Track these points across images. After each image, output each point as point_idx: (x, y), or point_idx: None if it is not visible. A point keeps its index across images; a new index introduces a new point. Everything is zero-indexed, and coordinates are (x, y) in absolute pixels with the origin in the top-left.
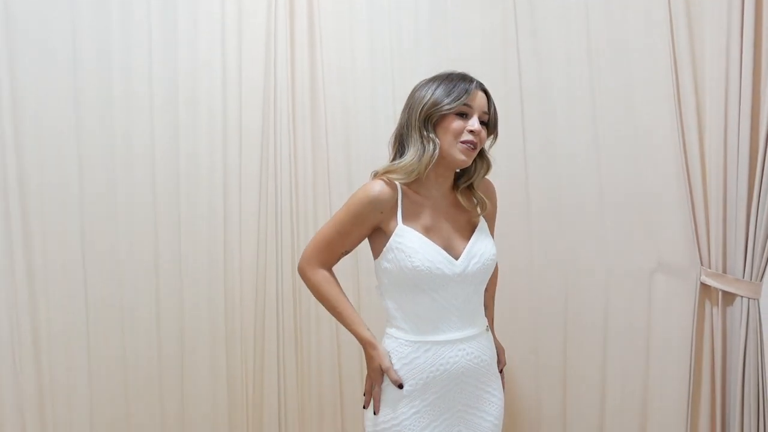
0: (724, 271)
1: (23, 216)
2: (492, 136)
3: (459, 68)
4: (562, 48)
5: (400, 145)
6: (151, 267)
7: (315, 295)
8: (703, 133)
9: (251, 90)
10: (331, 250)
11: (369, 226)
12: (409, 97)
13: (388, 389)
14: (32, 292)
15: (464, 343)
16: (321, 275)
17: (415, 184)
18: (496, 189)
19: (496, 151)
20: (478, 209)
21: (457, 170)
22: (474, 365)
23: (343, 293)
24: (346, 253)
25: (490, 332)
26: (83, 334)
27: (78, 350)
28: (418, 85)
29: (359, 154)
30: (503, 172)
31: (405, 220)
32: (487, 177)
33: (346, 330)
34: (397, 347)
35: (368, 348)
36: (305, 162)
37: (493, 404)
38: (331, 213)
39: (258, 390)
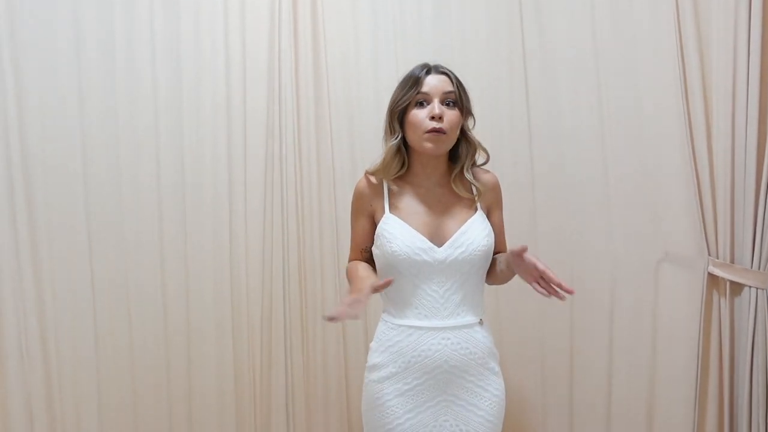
0: (732, 261)
1: (29, 208)
2: (470, 117)
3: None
4: (566, 35)
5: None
6: (157, 260)
7: None
8: (711, 122)
9: (255, 83)
10: (354, 249)
11: (366, 217)
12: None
13: (372, 371)
14: (39, 286)
15: (449, 333)
16: (349, 264)
17: (405, 175)
18: (499, 181)
19: (501, 147)
20: (475, 195)
21: (450, 158)
22: (460, 356)
23: (361, 268)
24: (366, 250)
25: (485, 327)
26: (90, 326)
27: (85, 343)
28: None
29: (363, 146)
30: (509, 162)
31: (392, 209)
32: (489, 170)
33: (352, 320)
34: (385, 330)
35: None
36: (309, 153)
37: (485, 399)
38: (336, 204)
39: (265, 381)
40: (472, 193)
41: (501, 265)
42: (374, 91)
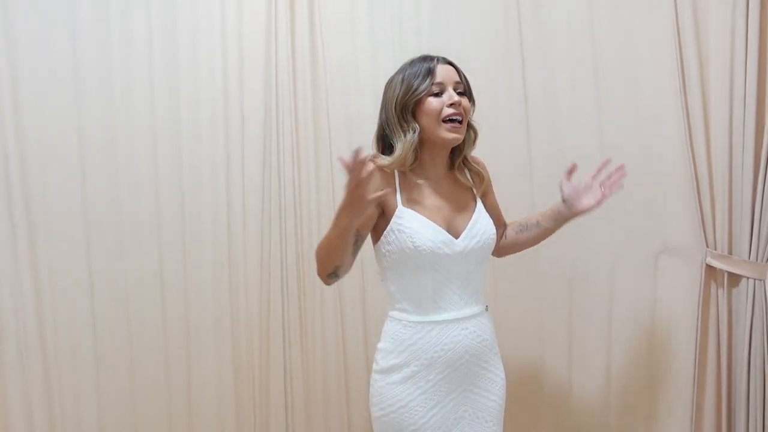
0: (730, 252)
1: (26, 206)
2: (472, 105)
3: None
4: (564, 33)
5: (384, 145)
6: (155, 256)
7: (325, 253)
8: (708, 114)
9: (252, 82)
10: None
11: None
12: (382, 97)
13: (388, 374)
14: (37, 284)
15: (466, 322)
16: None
17: (413, 168)
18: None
19: (499, 140)
20: (474, 184)
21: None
22: (477, 344)
23: None
24: (357, 233)
25: (489, 312)
26: (89, 325)
27: (84, 341)
28: (387, 83)
29: (362, 142)
30: (507, 155)
31: (405, 202)
32: (475, 155)
33: (352, 314)
34: (401, 329)
35: (339, 213)
36: (308, 148)
37: (495, 384)
38: (334, 198)
39: (264, 378)
40: (469, 182)
41: (547, 222)
42: (372, 88)
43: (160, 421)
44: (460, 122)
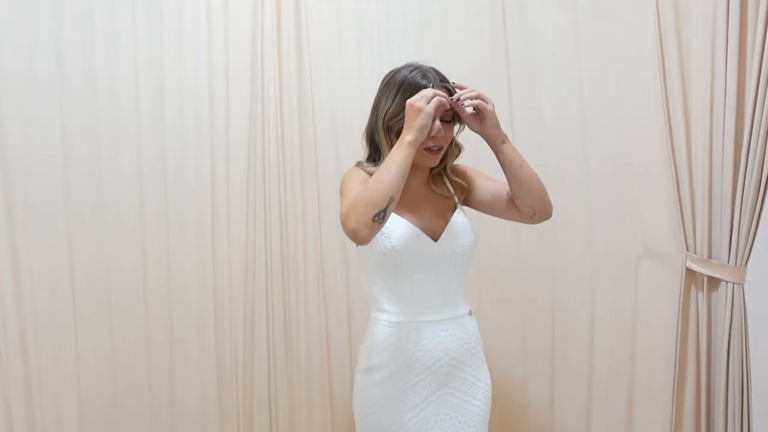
0: (710, 256)
1: (7, 207)
2: (459, 124)
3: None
4: (548, 42)
5: (372, 144)
6: (139, 256)
7: (377, 188)
8: (689, 118)
9: (238, 83)
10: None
11: None
12: (376, 96)
13: (368, 374)
14: (17, 282)
15: (446, 324)
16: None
17: None
18: (468, 168)
19: (484, 148)
20: (455, 193)
21: None
22: (457, 347)
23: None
24: None
25: (473, 317)
26: (70, 324)
27: (65, 341)
28: (382, 82)
29: (347, 144)
30: (491, 161)
31: None
32: (456, 164)
33: (336, 316)
34: (381, 329)
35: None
36: (293, 148)
37: (479, 389)
38: (319, 198)
39: (248, 379)
40: (449, 191)
41: (507, 168)
42: (358, 93)
43: (142, 424)
44: (438, 150)
